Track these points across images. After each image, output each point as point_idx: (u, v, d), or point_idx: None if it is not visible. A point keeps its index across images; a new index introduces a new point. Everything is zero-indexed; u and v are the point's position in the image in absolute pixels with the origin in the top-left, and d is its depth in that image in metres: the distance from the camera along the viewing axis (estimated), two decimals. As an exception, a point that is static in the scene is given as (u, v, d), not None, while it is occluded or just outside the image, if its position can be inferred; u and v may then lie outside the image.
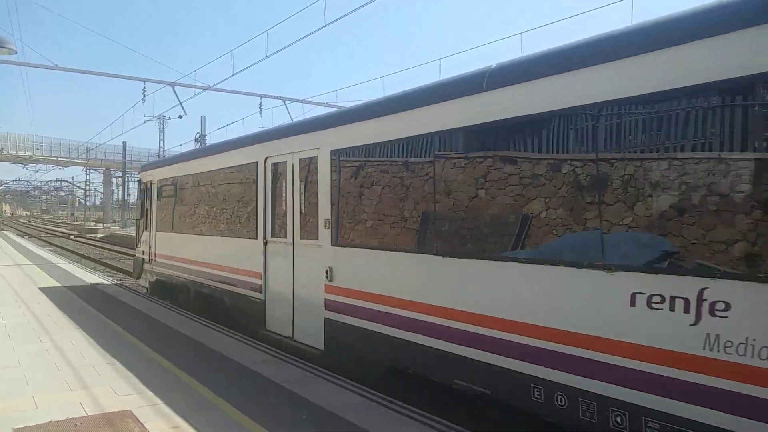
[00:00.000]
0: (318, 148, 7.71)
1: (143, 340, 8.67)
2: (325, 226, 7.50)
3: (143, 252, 15.51)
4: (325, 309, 7.43)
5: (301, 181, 8.20)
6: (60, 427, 5.15)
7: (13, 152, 61.87)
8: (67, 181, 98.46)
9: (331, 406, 5.71)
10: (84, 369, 7.01)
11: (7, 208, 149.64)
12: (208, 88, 25.43)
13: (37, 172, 75.25)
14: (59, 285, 15.02)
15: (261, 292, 9.09)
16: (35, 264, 21.23)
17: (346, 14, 15.61)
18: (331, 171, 7.44)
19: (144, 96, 24.70)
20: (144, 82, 24.31)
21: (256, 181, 9.30)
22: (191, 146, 46.12)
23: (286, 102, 29.13)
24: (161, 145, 53.79)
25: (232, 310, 10.22)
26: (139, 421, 5.25)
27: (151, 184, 15.03)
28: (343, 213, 7.21)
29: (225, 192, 10.59)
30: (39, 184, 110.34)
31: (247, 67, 28.38)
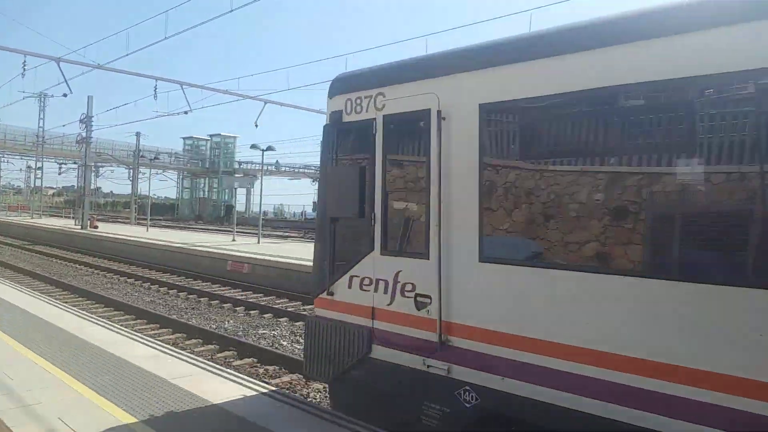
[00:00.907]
0: None
1: None
2: None
3: (371, 312, 5.24)
4: None
5: None
6: None
7: None
8: None
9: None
10: None
11: None
12: (99, 67, 24.03)
13: None
14: None
15: None
16: None
17: (252, 1, 15.36)
18: None
19: (24, 70, 23.06)
20: (24, 55, 22.63)
21: None
22: (75, 127, 42.67)
23: (184, 87, 28.05)
24: (41, 124, 49.77)
25: None
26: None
27: (427, 116, 4.75)
28: None
29: None
30: None
31: (143, 48, 27.03)
